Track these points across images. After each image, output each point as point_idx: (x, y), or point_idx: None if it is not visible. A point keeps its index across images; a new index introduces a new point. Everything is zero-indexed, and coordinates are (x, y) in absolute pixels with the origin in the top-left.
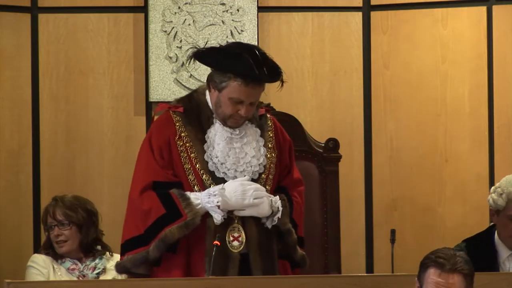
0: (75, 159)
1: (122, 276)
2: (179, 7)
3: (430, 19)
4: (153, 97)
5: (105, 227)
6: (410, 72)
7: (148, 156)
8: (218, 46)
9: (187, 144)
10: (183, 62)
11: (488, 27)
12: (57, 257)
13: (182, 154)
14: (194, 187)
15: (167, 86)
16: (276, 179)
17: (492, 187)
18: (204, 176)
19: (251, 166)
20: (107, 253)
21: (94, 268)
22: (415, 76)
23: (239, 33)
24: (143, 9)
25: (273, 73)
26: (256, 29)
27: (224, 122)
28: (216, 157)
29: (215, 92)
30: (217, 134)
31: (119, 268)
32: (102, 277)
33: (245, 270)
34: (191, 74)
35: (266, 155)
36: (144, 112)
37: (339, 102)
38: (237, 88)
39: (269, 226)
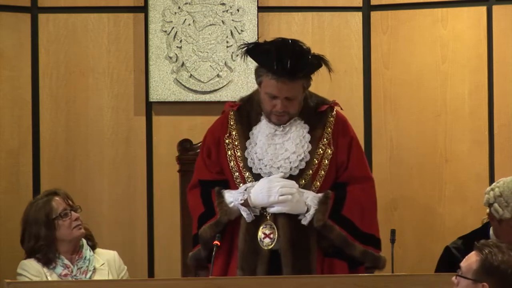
0: (75, 159)
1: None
2: (179, 7)
3: (430, 19)
4: (153, 97)
5: (105, 227)
6: (410, 72)
7: (200, 155)
8: (264, 41)
9: (236, 142)
10: (183, 62)
11: (488, 27)
12: (48, 262)
13: (229, 152)
14: (239, 185)
15: (167, 86)
16: (333, 175)
17: (491, 192)
18: (247, 174)
19: (290, 162)
20: (90, 249)
21: (87, 271)
22: (415, 76)
23: (239, 33)
24: (143, 9)
25: (296, 69)
26: (256, 29)
27: (269, 119)
28: (255, 153)
29: (259, 88)
30: (260, 130)
31: (189, 266)
32: (93, 278)
33: (276, 267)
34: (191, 74)
35: (318, 148)
36: (144, 112)
37: (339, 102)
38: (269, 82)
39: (305, 223)
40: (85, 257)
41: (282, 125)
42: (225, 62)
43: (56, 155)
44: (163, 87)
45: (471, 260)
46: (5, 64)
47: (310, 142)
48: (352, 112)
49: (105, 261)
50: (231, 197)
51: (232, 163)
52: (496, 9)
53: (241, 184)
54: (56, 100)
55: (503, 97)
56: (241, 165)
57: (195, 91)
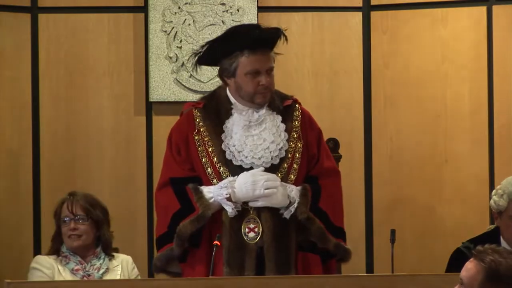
0: (75, 159)
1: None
2: (179, 7)
3: (430, 19)
4: (153, 97)
5: None
6: (410, 72)
7: (167, 154)
8: (213, 39)
9: (206, 139)
10: (183, 62)
11: (488, 27)
12: (62, 258)
13: (200, 148)
14: (213, 181)
15: (167, 86)
16: (305, 168)
17: (493, 190)
18: (221, 169)
19: (270, 152)
20: (106, 256)
21: (99, 268)
22: (415, 76)
23: None
24: (143, 9)
25: (271, 30)
26: None
27: (252, 102)
28: (233, 146)
29: (231, 80)
30: (234, 123)
31: (154, 268)
32: (105, 277)
33: (260, 261)
34: (191, 74)
35: (289, 142)
36: (144, 112)
37: (339, 102)
38: (247, 60)
39: (287, 217)
40: (100, 256)
41: (257, 115)
42: None
43: (56, 155)
44: (163, 87)
45: (472, 271)
46: (5, 64)
47: (286, 132)
48: (352, 112)
49: (119, 263)
50: (211, 192)
51: (204, 159)
52: (496, 9)
53: (214, 180)
54: (56, 100)
55: (503, 97)
56: (214, 160)
57: (195, 91)
